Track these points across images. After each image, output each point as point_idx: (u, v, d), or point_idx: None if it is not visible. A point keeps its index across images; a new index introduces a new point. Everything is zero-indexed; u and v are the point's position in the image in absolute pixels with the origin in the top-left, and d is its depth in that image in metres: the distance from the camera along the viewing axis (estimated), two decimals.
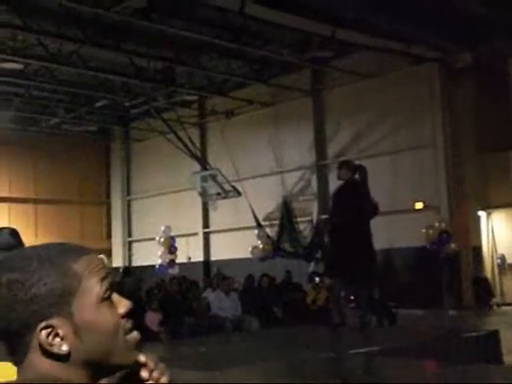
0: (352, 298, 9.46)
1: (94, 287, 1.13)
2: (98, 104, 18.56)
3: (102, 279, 1.14)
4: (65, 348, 1.10)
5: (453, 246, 14.05)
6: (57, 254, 1.13)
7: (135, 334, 1.17)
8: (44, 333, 1.09)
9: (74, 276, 1.12)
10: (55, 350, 1.10)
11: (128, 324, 1.16)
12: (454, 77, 15.01)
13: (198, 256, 19.92)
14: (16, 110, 18.87)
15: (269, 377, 5.78)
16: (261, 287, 13.53)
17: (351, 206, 7.90)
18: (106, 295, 1.14)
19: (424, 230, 14.09)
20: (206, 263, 19.90)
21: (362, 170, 8.20)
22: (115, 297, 1.17)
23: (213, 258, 20.01)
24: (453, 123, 15.12)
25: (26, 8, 12.99)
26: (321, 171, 17.49)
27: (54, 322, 1.10)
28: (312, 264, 15.79)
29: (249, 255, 16.44)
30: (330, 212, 9.48)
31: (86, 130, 21.51)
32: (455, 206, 14.96)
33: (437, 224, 14.14)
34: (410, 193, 15.40)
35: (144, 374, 1.18)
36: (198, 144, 19.18)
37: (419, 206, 15.33)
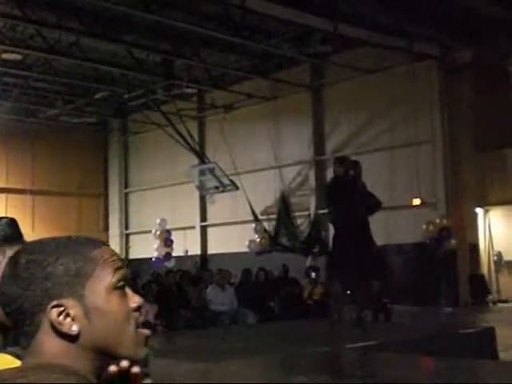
0: (348, 292, 9.46)
1: (107, 275, 1.16)
2: (97, 96, 18.51)
3: (116, 269, 1.17)
4: (75, 328, 1.12)
5: (453, 242, 14.05)
6: (75, 243, 1.17)
7: (146, 330, 1.20)
8: (55, 311, 1.11)
9: (90, 261, 1.15)
10: (65, 329, 1.12)
11: (141, 318, 1.19)
12: (453, 74, 15.00)
13: (195, 249, 19.92)
14: (14, 101, 18.83)
15: (264, 370, 5.79)
16: (257, 281, 13.54)
17: (344, 201, 7.86)
18: (118, 285, 1.16)
19: (424, 226, 14.08)
20: (203, 257, 19.91)
21: (356, 165, 8.16)
22: (128, 291, 1.19)
23: (210, 251, 20.02)
24: (451, 120, 15.12)
25: None
26: (319, 166, 17.48)
27: (65, 301, 1.12)
28: (309, 258, 15.79)
29: (246, 249, 16.42)
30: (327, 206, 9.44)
31: (85, 121, 21.46)
32: (452, 203, 14.97)
33: (437, 220, 14.13)
34: (408, 189, 15.39)
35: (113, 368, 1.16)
36: (196, 137, 19.13)
37: (416, 202, 15.33)
